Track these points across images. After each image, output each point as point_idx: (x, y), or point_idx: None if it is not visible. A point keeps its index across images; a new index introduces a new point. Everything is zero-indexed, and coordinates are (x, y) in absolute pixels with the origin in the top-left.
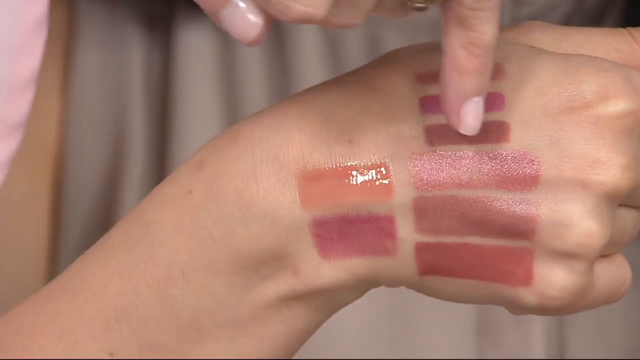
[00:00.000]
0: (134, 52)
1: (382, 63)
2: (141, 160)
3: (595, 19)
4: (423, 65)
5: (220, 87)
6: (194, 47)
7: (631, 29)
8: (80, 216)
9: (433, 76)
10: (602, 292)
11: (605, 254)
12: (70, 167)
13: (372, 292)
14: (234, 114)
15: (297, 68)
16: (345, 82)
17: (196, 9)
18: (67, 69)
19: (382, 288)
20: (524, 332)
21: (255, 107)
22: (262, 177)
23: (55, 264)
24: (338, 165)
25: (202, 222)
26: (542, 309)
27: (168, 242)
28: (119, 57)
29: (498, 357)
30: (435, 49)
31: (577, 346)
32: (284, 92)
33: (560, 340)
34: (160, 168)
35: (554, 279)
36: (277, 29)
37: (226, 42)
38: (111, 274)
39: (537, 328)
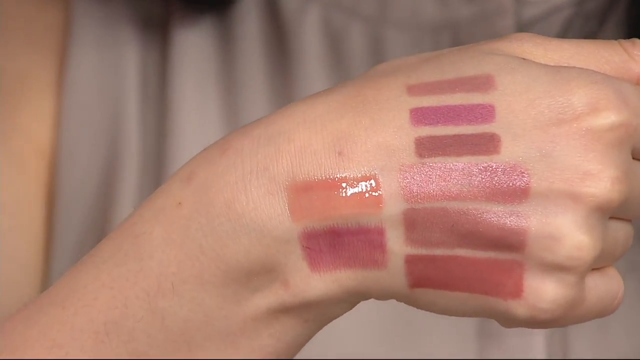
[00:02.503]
0: (130, 53)
1: (373, 75)
2: (137, 161)
3: (597, 21)
4: (414, 77)
5: (217, 88)
6: (190, 47)
7: (622, 41)
8: (75, 218)
9: (424, 88)
10: (594, 304)
11: (597, 266)
12: (64, 169)
13: None
14: (231, 116)
15: (299, 69)
16: (335, 94)
17: (192, 10)
18: (62, 70)
19: None
20: (526, 334)
21: (254, 108)
22: (252, 189)
23: (50, 267)
24: (328, 177)
25: (191, 234)
26: (532, 322)
27: (158, 254)
28: (114, 57)
29: (500, 358)
30: (426, 61)
31: (579, 348)
32: (285, 93)
33: (563, 343)
34: (155, 169)
35: (544, 291)
36: (278, 28)
37: (223, 42)
38: (101, 286)
39: (539, 331)
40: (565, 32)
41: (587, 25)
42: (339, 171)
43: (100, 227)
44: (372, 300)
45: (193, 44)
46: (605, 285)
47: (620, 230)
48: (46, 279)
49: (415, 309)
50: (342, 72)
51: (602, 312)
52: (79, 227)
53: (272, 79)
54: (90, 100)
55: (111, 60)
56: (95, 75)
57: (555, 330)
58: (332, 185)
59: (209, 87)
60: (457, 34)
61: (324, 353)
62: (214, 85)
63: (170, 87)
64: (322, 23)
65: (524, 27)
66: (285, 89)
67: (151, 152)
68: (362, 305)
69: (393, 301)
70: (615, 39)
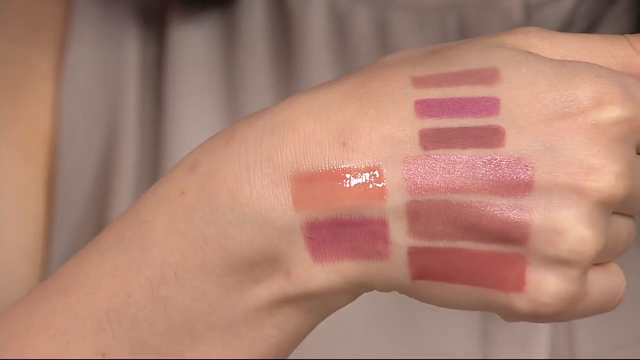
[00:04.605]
0: (129, 47)
1: (379, 67)
2: (135, 149)
3: (605, 4)
4: (419, 69)
5: (218, 79)
6: (188, 43)
7: (629, 36)
8: (75, 204)
9: (429, 80)
10: (596, 299)
11: (599, 262)
12: (64, 155)
13: None
14: (233, 105)
15: (304, 54)
16: (340, 84)
17: (191, 5)
18: (61, 63)
19: None
20: None
21: (256, 96)
22: (256, 178)
23: (49, 251)
24: (332, 168)
25: (195, 223)
26: (534, 316)
27: (161, 242)
28: (113, 51)
29: (504, 337)
30: (432, 53)
31: (584, 326)
32: (289, 79)
33: (567, 322)
34: (153, 157)
35: (546, 285)
36: (284, 15)
37: (227, 34)
38: (104, 274)
39: None
40: (573, 15)
41: (595, 8)
42: (342, 162)
43: (98, 213)
44: None
45: (193, 35)
46: (607, 281)
47: (623, 226)
48: (46, 264)
49: None
50: (347, 56)
51: (604, 308)
52: (78, 213)
53: (276, 65)
54: (89, 89)
55: (111, 53)
56: (94, 68)
57: None
58: (336, 176)
59: (205, 81)
60: (462, 15)
61: (327, 330)
62: (215, 75)
63: (167, 81)
64: (328, 7)
65: (531, 8)
66: (289, 74)
67: (149, 140)
68: None
69: None
70: (622, 22)
